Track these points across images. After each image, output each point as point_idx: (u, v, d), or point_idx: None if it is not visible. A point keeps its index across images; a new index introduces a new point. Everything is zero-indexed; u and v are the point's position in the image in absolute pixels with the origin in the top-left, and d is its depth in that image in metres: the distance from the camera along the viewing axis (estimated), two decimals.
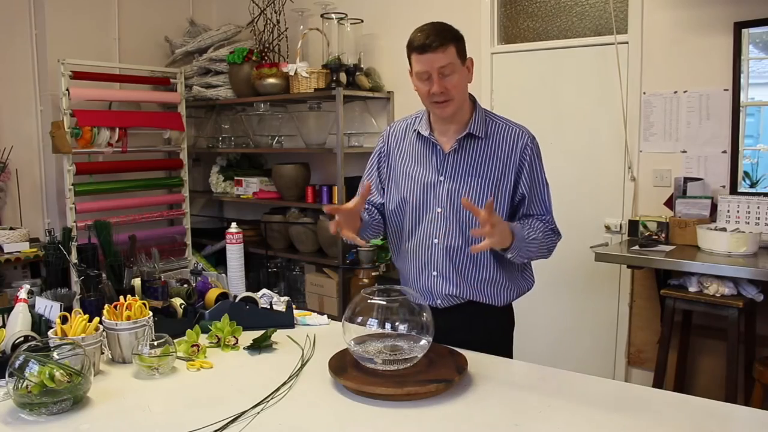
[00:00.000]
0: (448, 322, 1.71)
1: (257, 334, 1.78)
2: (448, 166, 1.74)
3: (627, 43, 3.09)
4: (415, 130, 1.81)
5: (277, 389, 1.48)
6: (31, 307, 1.75)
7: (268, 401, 1.41)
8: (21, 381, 1.35)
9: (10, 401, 1.37)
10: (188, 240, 4.33)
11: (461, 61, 1.67)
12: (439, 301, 1.79)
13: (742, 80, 2.82)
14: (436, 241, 1.76)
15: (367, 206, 1.83)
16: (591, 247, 3.02)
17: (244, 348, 1.78)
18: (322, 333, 1.89)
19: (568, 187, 3.31)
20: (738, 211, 2.78)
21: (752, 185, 2.96)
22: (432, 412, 1.36)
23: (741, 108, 2.84)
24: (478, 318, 1.74)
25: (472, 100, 1.79)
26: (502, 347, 1.83)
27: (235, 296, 2.10)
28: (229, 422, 1.31)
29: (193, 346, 1.72)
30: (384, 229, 1.90)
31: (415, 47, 1.66)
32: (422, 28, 1.66)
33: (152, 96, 4.23)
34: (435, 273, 1.77)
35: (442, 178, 1.74)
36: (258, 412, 1.36)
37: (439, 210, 1.75)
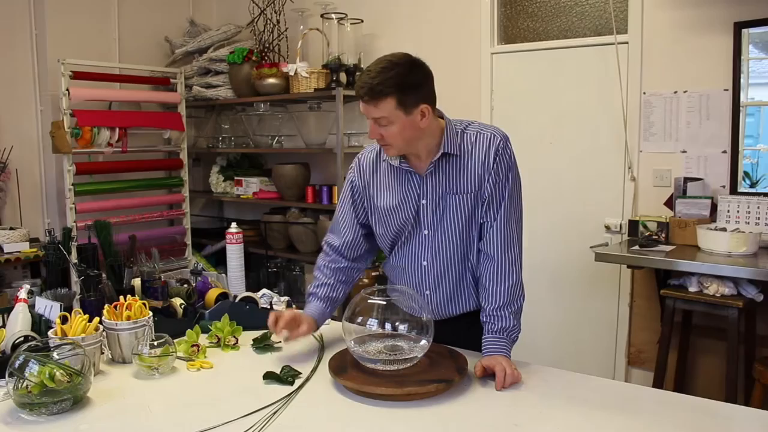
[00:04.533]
0: (446, 328, 1.71)
1: (257, 334, 1.79)
2: (427, 189, 1.70)
3: (627, 43, 3.09)
4: (384, 160, 1.75)
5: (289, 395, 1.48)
6: (31, 307, 1.76)
7: (268, 405, 1.41)
8: (21, 381, 1.35)
9: (10, 401, 1.37)
10: (188, 240, 4.33)
11: (404, 111, 1.55)
12: (435, 316, 1.78)
13: (742, 80, 2.82)
14: (425, 263, 1.75)
15: (330, 282, 1.81)
16: (591, 247, 3.01)
17: (244, 348, 1.78)
18: (321, 333, 1.88)
19: (568, 187, 3.31)
20: (738, 211, 2.78)
21: (752, 185, 2.96)
22: (432, 412, 1.36)
23: (741, 108, 2.84)
24: (475, 320, 1.73)
25: (441, 117, 1.71)
26: None
27: (235, 296, 2.10)
28: (229, 422, 1.31)
29: (193, 346, 1.72)
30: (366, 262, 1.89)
31: (356, 90, 1.60)
32: (368, 70, 1.56)
33: (152, 96, 4.22)
34: (428, 292, 1.77)
35: (424, 202, 1.70)
36: (258, 412, 1.36)
37: (425, 232, 1.73)
